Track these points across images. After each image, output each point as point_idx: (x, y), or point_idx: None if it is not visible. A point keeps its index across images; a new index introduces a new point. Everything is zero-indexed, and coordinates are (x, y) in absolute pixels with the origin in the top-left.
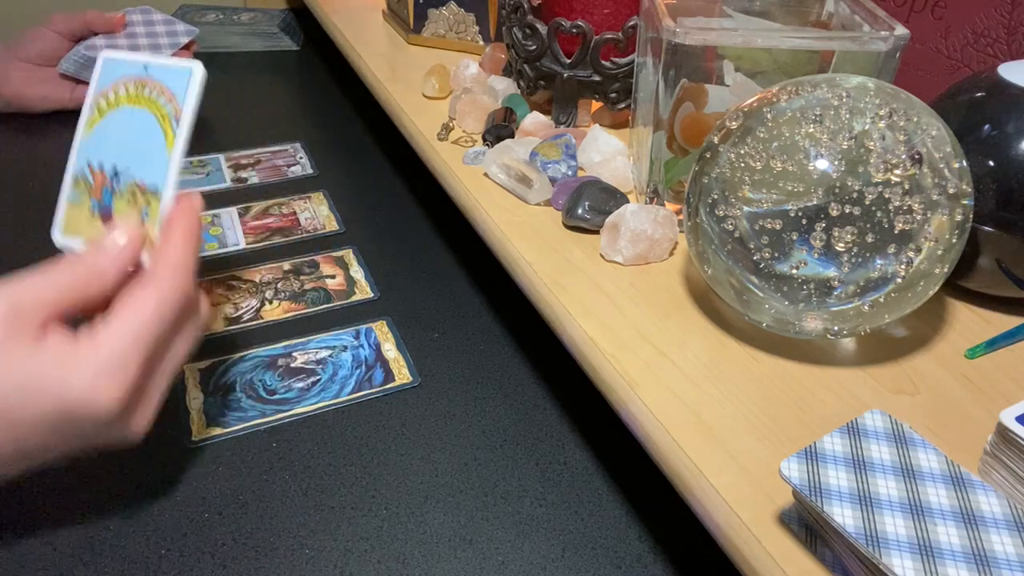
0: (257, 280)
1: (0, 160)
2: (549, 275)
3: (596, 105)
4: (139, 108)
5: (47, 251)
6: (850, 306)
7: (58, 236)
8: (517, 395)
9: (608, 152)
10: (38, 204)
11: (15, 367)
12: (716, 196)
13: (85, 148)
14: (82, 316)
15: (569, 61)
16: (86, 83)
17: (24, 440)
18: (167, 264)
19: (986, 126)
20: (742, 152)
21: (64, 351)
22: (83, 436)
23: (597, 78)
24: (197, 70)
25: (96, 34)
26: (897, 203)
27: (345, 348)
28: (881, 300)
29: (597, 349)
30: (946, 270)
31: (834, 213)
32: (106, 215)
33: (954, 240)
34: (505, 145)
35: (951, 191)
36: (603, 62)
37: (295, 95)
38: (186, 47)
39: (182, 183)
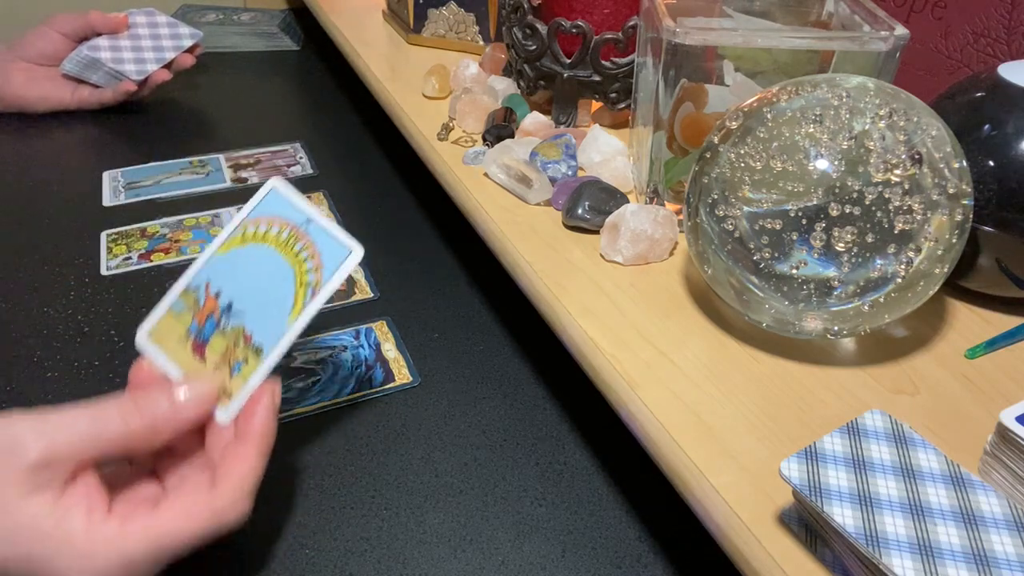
0: None
1: (0, 160)
2: (549, 275)
3: (596, 105)
4: (283, 258)
5: (44, 251)
6: (850, 306)
7: (143, 337)
8: (517, 395)
9: (608, 152)
10: (37, 204)
11: (26, 533)
12: (716, 196)
13: (211, 266)
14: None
15: (569, 61)
16: (87, 83)
17: None
18: (239, 487)
19: (986, 126)
20: (742, 152)
21: (82, 530)
22: None
23: (597, 78)
24: (357, 253)
25: (99, 34)
26: (897, 203)
27: (345, 348)
28: (881, 300)
29: (597, 349)
30: (946, 270)
31: (834, 213)
32: (199, 345)
33: (954, 240)
34: (505, 145)
35: (951, 191)
36: (603, 62)
37: (295, 95)
38: (190, 50)
39: (186, 183)
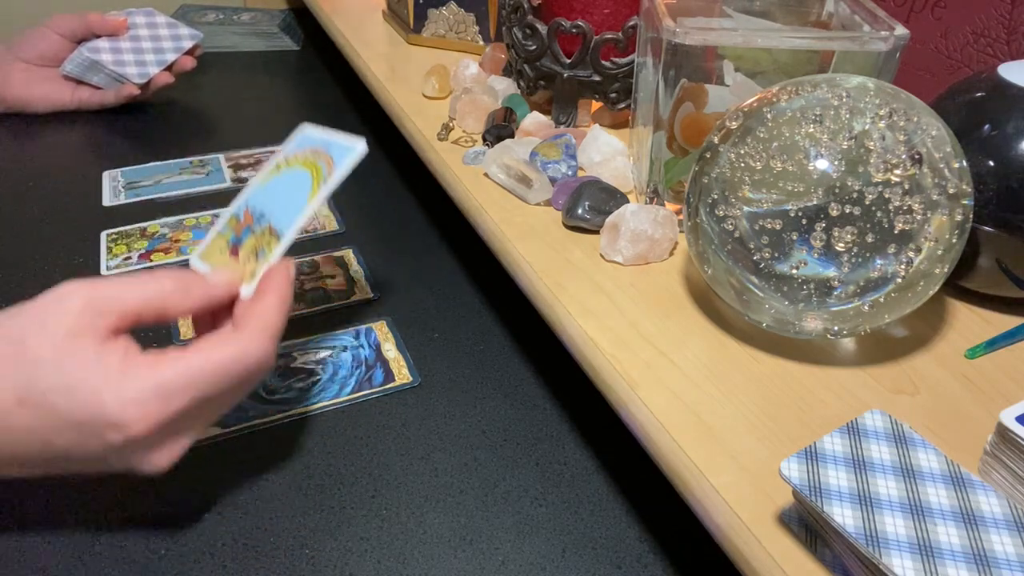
0: None
1: (0, 160)
2: (549, 275)
3: (596, 105)
4: (305, 169)
5: (43, 250)
6: (850, 306)
7: (194, 259)
8: (517, 395)
9: (608, 152)
10: (37, 205)
11: (71, 366)
12: (716, 196)
13: (253, 193)
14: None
15: (569, 61)
16: (87, 84)
17: (53, 440)
18: (258, 326)
19: (986, 126)
20: (742, 152)
21: (118, 364)
22: (103, 453)
23: (597, 78)
24: (360, 147)
25: (98, 36)
26: (897, 203)
27: (345, 348)
28: (881, 300)
29: (597, 349)
30: (946, 270)
31: (834, 213)
32: (235, 249)
33: (954, 240)
34: (505, 145)
35: (951, 191)
36: (603, 62)
37: (295, 95)
38: (190, 51)
39: (186, 183)
